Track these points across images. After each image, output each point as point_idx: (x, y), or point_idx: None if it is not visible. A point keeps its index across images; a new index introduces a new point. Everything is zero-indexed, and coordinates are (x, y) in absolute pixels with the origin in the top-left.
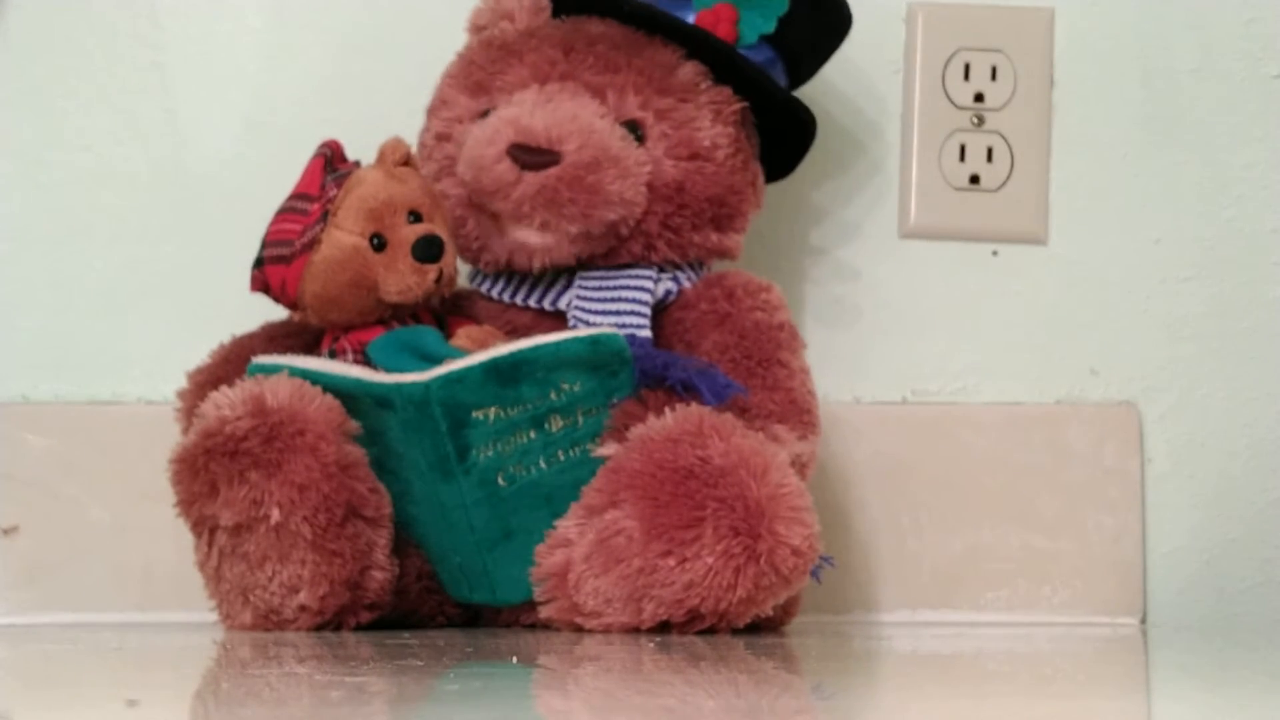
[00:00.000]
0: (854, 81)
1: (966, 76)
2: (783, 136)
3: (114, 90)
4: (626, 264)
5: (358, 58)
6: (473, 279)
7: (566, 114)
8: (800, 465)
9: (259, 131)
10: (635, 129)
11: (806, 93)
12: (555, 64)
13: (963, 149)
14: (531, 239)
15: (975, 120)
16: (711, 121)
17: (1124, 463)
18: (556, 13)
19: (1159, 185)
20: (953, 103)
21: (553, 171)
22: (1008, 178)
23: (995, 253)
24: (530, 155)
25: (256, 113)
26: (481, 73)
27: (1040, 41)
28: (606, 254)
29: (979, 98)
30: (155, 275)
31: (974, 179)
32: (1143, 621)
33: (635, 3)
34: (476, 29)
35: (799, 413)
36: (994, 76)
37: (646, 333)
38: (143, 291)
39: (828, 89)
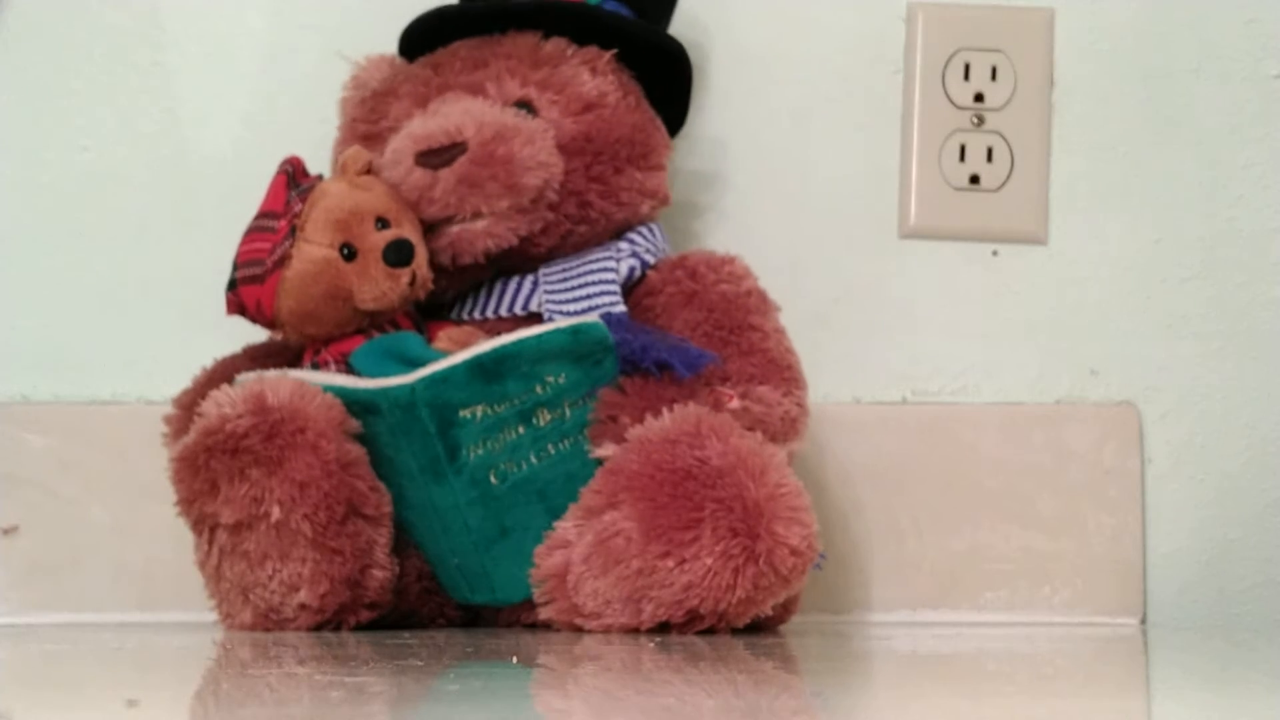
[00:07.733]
0: (854, 81)
1: (966, 76)
2: (662, 83)
3: (114, 90)
4: (583, 249)
5: (358, 58)
6: (442, 311)
7: (457, 110)
8: (790, 421)
9: (259, 131)
10: (526, 106)
11: (809, 94)
12: (429, 83)
13: (963, 149)
14: (470, 227)
15: (975, 120)
16: (590, 76)
17: (1124, 463)
18: (412, 58)
19: (1159, 185)
20: (953, 103)
21: (464, 158)
22: (1008, 178)
23: (995, 253)
24: (437, 155)
25: (256, 113)
26: (365, 125)
27: (1040, 41)
28: (545, 229)
29: (979, 98)
30: (155, 275)
31: (974, 179)
32: (1143, 621)
33: (479, 5)
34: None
35: (779, 370)
36: (994, 76)
37: (621, 307)
38: (143, 291)
39: (828, 89)
